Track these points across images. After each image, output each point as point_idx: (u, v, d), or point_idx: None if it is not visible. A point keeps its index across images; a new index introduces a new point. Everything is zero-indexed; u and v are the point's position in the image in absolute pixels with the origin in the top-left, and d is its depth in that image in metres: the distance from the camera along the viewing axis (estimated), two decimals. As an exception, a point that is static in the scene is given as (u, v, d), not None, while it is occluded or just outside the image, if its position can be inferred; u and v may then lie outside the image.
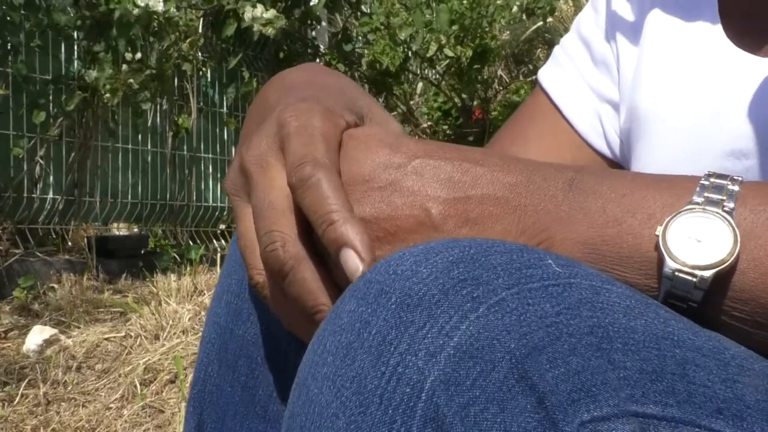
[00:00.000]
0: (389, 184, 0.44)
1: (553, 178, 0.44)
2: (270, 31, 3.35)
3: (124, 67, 3.10)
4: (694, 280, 0.40)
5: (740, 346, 0.39)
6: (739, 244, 0.40)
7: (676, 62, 0.64)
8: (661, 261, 0.40)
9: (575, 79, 0.73)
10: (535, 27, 4.43)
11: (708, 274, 0.39)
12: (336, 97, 0.49)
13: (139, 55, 3.13)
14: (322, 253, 0.44)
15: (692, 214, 0.41)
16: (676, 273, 0.40)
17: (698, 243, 0.40)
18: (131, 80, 3.07)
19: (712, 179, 0.42)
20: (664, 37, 0.65)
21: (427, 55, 3.88)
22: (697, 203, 0.41)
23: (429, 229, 0.43)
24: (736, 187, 0.42)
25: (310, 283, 0.43)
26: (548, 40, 4.74)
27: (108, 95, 3.05)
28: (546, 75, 0.75)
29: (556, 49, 0.77)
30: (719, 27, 0.62)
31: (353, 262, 0.41)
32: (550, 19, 4.13)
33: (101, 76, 3.02)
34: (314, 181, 0.42)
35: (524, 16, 3.90)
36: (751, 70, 0.58)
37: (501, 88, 4.84)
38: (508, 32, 4.62)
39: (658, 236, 0.40)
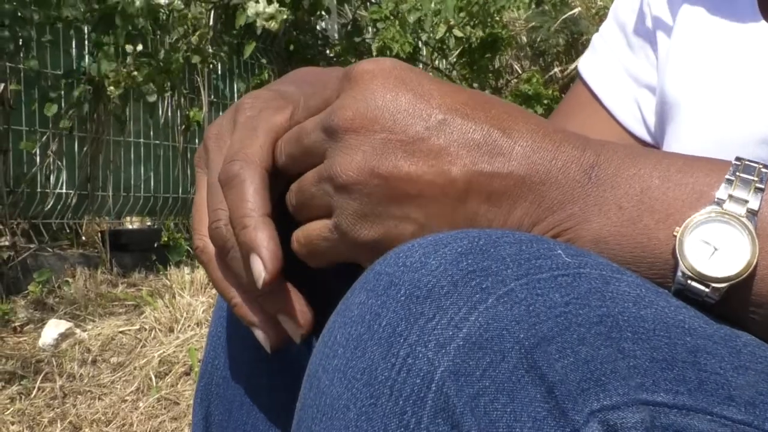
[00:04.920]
0: (414, 139, 0.41)
1: (573, 164, 0.41)
2: (273, 25, 3.36)
3: (129, 59, 3.10)
4: (707, 290, 0.39)
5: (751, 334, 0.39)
6: (757, 255, 0.38)
7: (705, 46, 0.63)
8: (675, 265, 0.39)
9: (613, 66, 0.72)
10: (562, 18, 4.37)
11: (722, 286, 0.38)
12: (313, 88, 0.48)
13: (140, 47, 3.14)
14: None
15: (711, 221, 0.39)
16: (689, 281, 0.39)
17: (715, 251, 0.38)
18: (135, 73, 3.09)
19: (738, 173, 0.40)
20: (697, 19, 0.64)
21: (437, 37, 3.87)
22: (721, 200, 0.39)
23: (451, 200, 0.41)
24: (763, 185, 0.39)
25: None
26: (574, 31, 4.67)
27: (111, 87, 3.07)
28: (584, 64, 0.74)
29: (595, 37, 0.76)
30: (756, 10, 0.61)
31: (258, 268, 0.43)
32: (578, 10, 4.09)
33: (104, 67, 3.04)
34: (237, 182, 0.44)
35: (536, 6, 3.88)
36: None
37: (513, 77, 4.82)
38: (532, 24, 4.57)
39: (675, 237, 0.39)
